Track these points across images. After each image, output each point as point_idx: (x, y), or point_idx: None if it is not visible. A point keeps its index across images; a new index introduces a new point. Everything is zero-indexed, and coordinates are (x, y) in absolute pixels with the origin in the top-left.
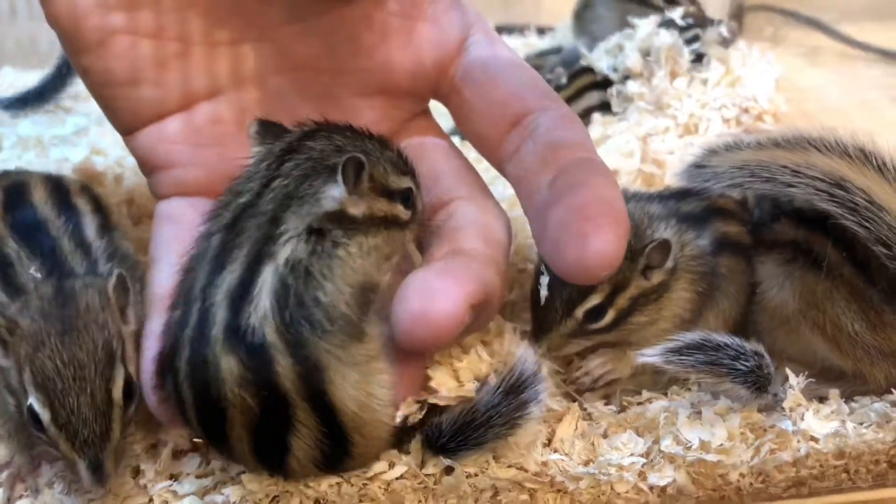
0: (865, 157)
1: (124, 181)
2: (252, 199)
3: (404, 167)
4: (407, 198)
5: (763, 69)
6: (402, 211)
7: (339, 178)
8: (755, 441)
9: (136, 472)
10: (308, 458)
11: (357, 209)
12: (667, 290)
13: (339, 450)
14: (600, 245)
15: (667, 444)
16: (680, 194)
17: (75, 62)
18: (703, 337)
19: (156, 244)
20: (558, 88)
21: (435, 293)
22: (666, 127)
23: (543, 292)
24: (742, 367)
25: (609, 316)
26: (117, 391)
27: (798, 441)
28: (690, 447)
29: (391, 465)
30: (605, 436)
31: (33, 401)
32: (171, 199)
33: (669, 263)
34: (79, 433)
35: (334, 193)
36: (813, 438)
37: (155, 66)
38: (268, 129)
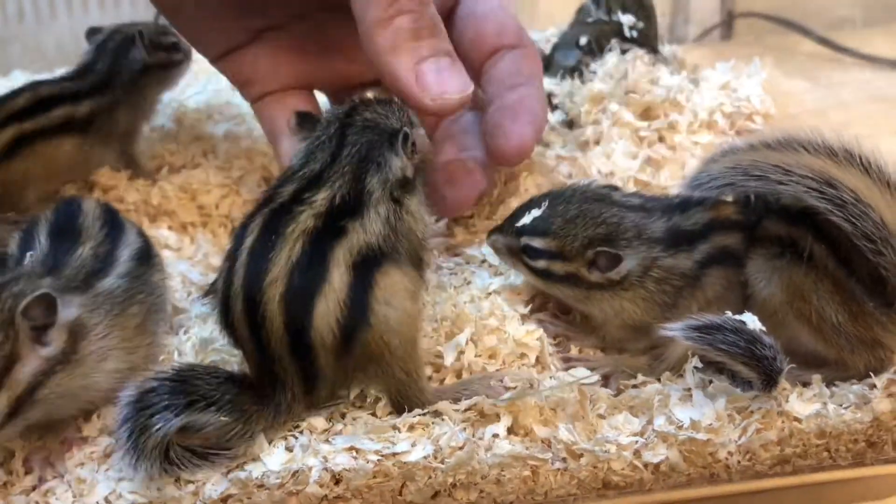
0: (851, 158)
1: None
2: (324, 166)
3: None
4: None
5: (750, 73)
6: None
7: (399, 150)
8: (742, 421)
9: None
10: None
11: (411, 172)
12: (619, 289)
13: None
14: (515, 135)
15: (660, 424)
16: (682, 206)
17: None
18: (725, 319)
19: (268, 129)
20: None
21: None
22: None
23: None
24: (757, 352)
25: (539, 263)
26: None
27: (783, 422)
28: (682, 426)
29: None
30: (602, 416)
31: None
32: (262, 99)
33: (614, 276)
34: None
35: (398, 163)
36: (796, 419)
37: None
38: (305, 121)
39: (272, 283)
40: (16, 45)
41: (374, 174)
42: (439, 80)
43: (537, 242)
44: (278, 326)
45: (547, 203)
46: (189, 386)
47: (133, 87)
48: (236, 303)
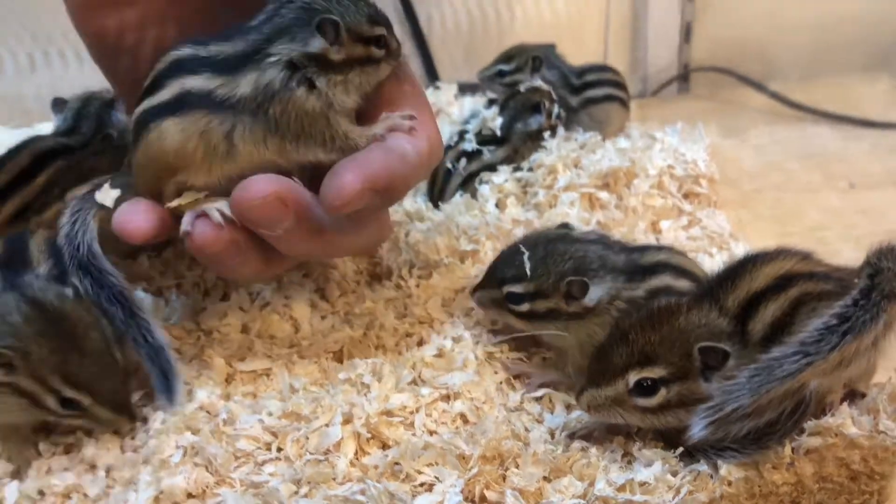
0: None
1: None
2: (256, 24)
3: (377, 17)
4: (378, 41)
5: (696, 138)
6: (375, 51)
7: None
8: (676, 482)
9: None
10: None
11: (338, 55)
12: (592, 316)
13: None
14: (340, 184)
15: (600, 488)
16: (642, 248)
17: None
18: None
19: None
20: None
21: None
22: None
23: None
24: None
25: (523, 307)
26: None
27: (714, 483)
28: (621, 488)
29: None
30: (548, 479)
31: (71, 394)
32: None
33: (588, 304)
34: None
35: (317, 44)
36: (728, 482)
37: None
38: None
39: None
40: None
41: (284, 42)
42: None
43: (517, 288)
44: None
45: (516, 253)
46: None
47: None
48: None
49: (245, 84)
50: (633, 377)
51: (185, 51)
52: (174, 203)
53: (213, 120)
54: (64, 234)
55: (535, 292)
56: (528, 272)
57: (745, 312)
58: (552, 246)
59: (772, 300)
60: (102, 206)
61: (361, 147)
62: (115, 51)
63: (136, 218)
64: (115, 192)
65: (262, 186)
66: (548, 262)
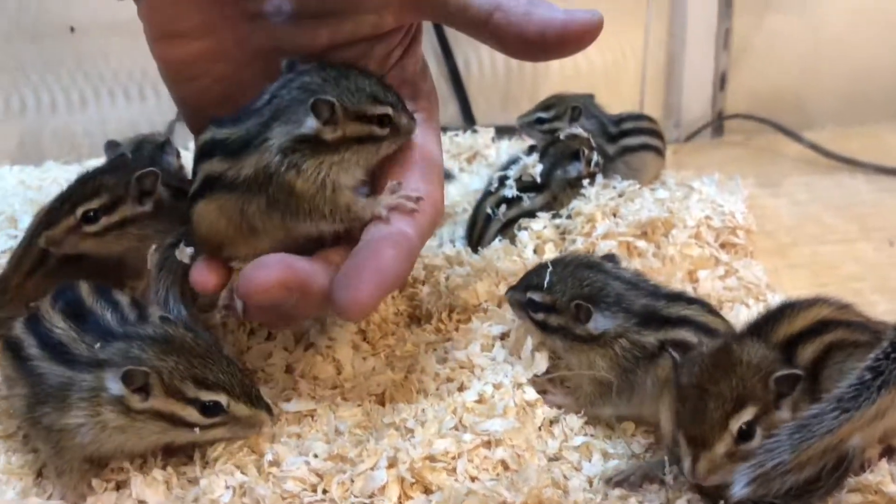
0: None
1: None
2: (259, 106)
3: (382, 96)
4: (383, 121)
5: (733, 189)
6: (377, 130)
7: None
8: None
9: None
10: None
11: (333, 135)
12: (595, 345)
13: None
14: (356, 297)
15: None
16: (672, 297)
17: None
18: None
19: None
20: None
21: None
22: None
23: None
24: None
25: (539, 315)
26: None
27: None
28: None
29: None
30: None
31: (210, 397)
32: None
33: (593, 331)
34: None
35: (310, 124)
36: None
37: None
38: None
39: None
40: (47, 134)
41: (280, 125)
42: None
43: (537, 297)
44: None
45: (550, 266)
46: None
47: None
48: None
49: (248, 167)
50: (734, 425)
51: (207, 135)
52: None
53: (228, 200)
54: (154, 291)
55: (550, 305)
56: (545, 285)
57: (785, 352)
58: (579, 270)
59: (809, 343)
60: (181, 263)
61: (366, 220)
62: (183, 79)
63: (208, 276)
64: (190, 250)
65: (265, 276)
66: (568, 281)
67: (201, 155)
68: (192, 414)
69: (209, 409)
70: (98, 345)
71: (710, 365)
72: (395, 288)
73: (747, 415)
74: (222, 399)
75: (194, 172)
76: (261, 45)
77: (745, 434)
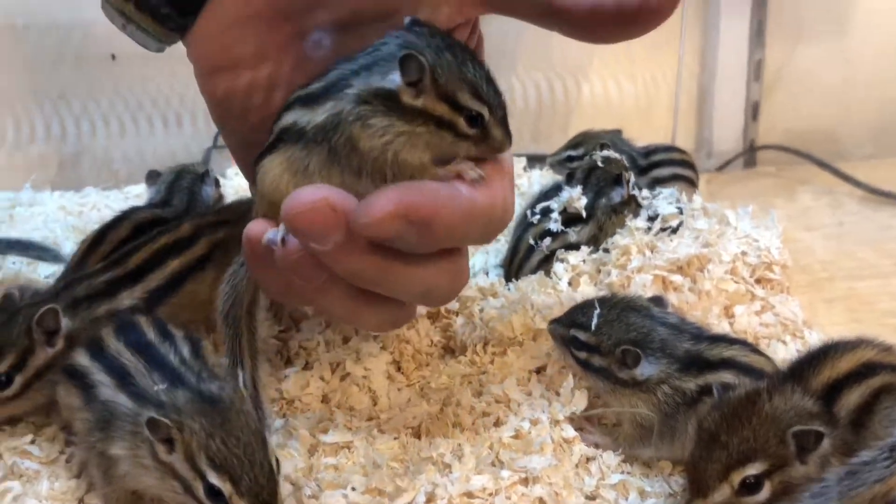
0: None
1: None
2: (356, 56)
3: (486, 94)
4: (474, 119)
5: (768, 225)
6: (462, 124)
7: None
8: None
9: None
10: None
11: (412, 100)
12: (638, 390)
13: None
14: (370, 202)
15: None
16: (714, 339)
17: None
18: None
19: None
20: None
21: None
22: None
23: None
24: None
25: (582, 354)
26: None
27: None
28: None
29: None
30: None
31: (214, 479)
32: None
33: (638, 376)
34: (260, 497)
35: (394, 78)
36: None
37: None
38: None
39: None
40: (87, 160)
41: (366, 75)
42: None
43: (581, 336)
44: None
45: (598, 307)
46: None
47: None
48: None
49: (321, 113)
50: (736, 478)
51: (296, 93)
52: None
53: (295, 152)
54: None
55: (594, 346)
56: (593, 326)
57: (829, 396)
58: (625, 313)
59: (854, 386)
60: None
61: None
62: (234, 116)
63: (265, 226)
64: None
65: (312, 192)
66: (615, 325)
67: (283, 111)
68: (198, 488)
69: (213, 492)
70: (163, 385)
71: (729, 413)
72: (425, 226)
73: (753, 469)
74: (226, 488)
75: (271, 131)
76: (321, 62)
77: (752, 486)
